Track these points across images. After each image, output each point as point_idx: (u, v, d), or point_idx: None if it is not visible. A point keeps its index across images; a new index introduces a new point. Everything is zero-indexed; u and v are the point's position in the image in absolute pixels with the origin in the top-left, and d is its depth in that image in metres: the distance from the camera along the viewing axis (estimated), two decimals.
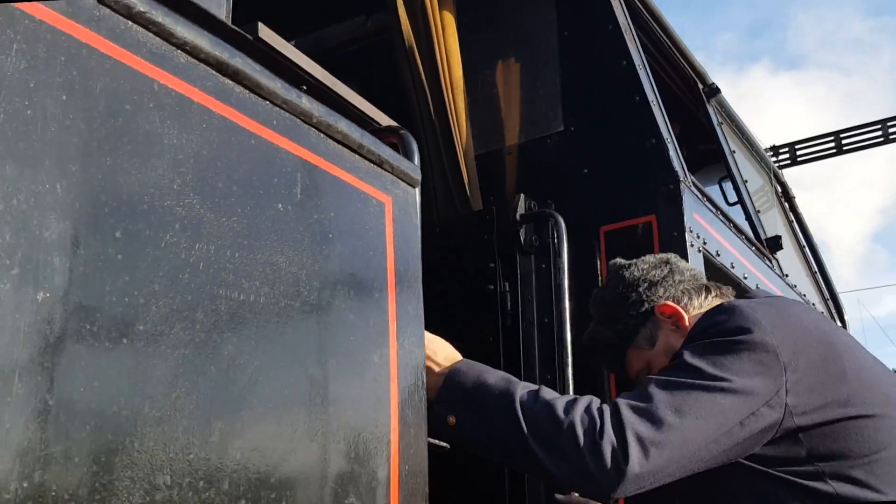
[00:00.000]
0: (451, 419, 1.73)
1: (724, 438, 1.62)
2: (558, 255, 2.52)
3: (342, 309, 1.31)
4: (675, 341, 1.93)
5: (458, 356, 1.85)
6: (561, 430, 1.61)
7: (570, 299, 2.52)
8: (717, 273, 2.76)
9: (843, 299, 5.05)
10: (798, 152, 14.05)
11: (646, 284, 2.00)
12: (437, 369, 1.78)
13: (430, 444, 1.52)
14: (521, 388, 1.71)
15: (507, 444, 1.68)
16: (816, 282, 4.69)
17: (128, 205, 0.98)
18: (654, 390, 1.65)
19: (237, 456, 1.06)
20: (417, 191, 1.59)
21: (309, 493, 1.16)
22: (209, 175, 1.10)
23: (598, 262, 2.64)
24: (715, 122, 3.67)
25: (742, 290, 2.93)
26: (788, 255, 4.30)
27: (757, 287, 3.05)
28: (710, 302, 2.00)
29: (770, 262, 3.43)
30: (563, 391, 2.50)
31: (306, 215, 1.27)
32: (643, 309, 1.99)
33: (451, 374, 1.76)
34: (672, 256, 2.10)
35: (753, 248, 3.20)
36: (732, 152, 3.71)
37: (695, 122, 3.81)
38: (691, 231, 2.57)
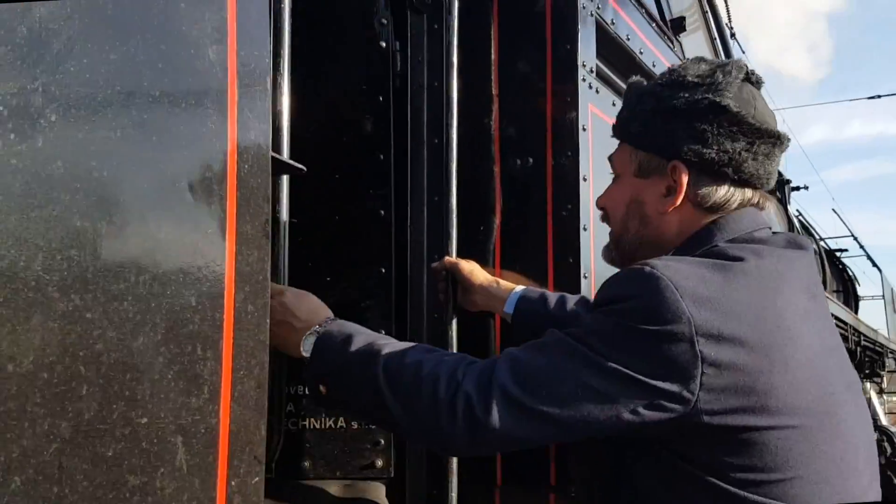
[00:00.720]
0: (323, 389, 1.67)
1: (591, 423, 1.46)
2: (449, 12, 2.43)
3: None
4: (651, 207, 1.69)
5: (320, 311, 1.74)
6: (420, 386, 1.53)
7: (460, 63, 2.47)
8: (610, 45, 2.72)
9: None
10: None
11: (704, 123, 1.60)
12: (298, 325, 1.70)
13: None
14: (386, 352, 1.60)
15: (372, 414, 1.67)
16: None
17: None
18: (536, 357, 1.52)
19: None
20: None
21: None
22: None
23: (492, 26, 2.57)
24: None
25: (637, 67, 2.93)
26: (697, 45, 4.26)
27: (654, 66, 3.03)
28: (722, 211, 1.64)
29: (672, 44, 3.39)
30: (448, 157, 2.50)
31: None
32: (667, 137, 1.64)
33: (319, 342, 1.66)
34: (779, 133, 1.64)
35: (654, 25, 3.15)
36: None
37: None
38: None
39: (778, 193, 9.42)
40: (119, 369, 1.11)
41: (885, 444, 13.59)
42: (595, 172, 2.58)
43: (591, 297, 2.51)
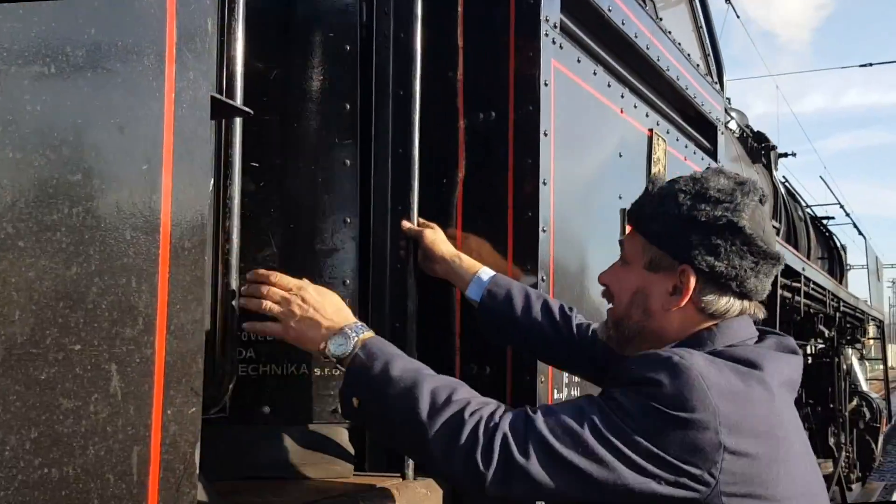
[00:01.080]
0: (356, 401, 1.73)
1: (620, 489, 1.55)
2: None
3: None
4: (656, 301, 1.78)
5: (344, 310, 1.83)
6: (461, 428, 1.59)
7: (426, 15, 2.50)
8: (577, 1, 2.74)
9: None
10: None
11: (713, 238, 1.72)
12: (324, 323, 1.79)
13: None
14: (428, 386, 1.66)
15: (404, 442, 1.74)
16: (700, 36, 4.70)
17: None
18: (573, 413, 1.59)
19: None
20: None
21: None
22: None
23: None
24: None
25: (605, 25, 2.95)
26: (670, 9, 4.27)
27: (623, 23, 3.05)
28: (721, 322, 1.77)
29: (643, 3, 3.40)
30: (411, 109, 2.53)
31: None
32: (683, 243, 1.75)
33: (359, 359, 1.73)
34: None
35: None
36: None
37: None
38: None
39: (763, 159, 9.47)
40: (52, 297, 1.15)
41: (864, 409, 13.80)
42: (557, 128, 2.61)
43: (550, 265, 2.56)
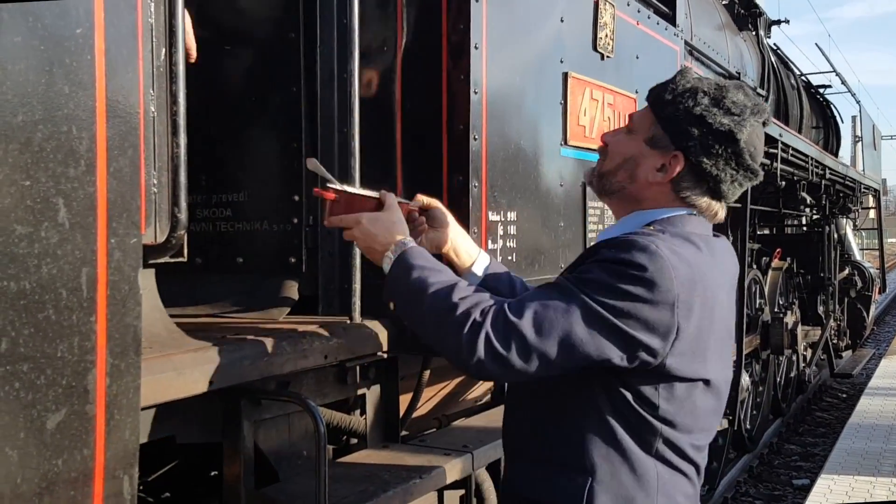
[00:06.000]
0: (391, 305, 2.11)
1: (584, 362, 1.83)
2: None
3: None
4: (643, 171, 2.00)
5: (392, 231, 2.06)
6: (454, 322, 1.84)
7: None
8: None
9: None
10: None
11: (714, 128, 1.94)
12: (378, 249, 2.05)
13: None
14: (432, 290, 1.90)
15: (421, 329, 1.99)
16: None
17: None
18: (545, 302, 1.83)
19: None
20: None
21: None
22: None
23: None
24: None
25: None
26: None
27: None
28: (686, 213, 2.00)
29: None
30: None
31: None
32: (685, 133, 1.96)
33: (391, 273, 2.01)
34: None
35: None
36: None
37: None
38: None
39: (751, 26, 9.47)
40: (2, 139, 1.39)
41: (856, 278, 14.09)
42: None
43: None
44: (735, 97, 1.97)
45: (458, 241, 2.30)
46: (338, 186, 2.15)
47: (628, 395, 1.89)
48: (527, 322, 1.81)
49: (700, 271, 1.89)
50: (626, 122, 2.12)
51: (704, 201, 2.01)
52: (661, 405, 1.89)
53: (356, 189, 2.30)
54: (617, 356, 1.82)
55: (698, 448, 1.99)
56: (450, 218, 2.31)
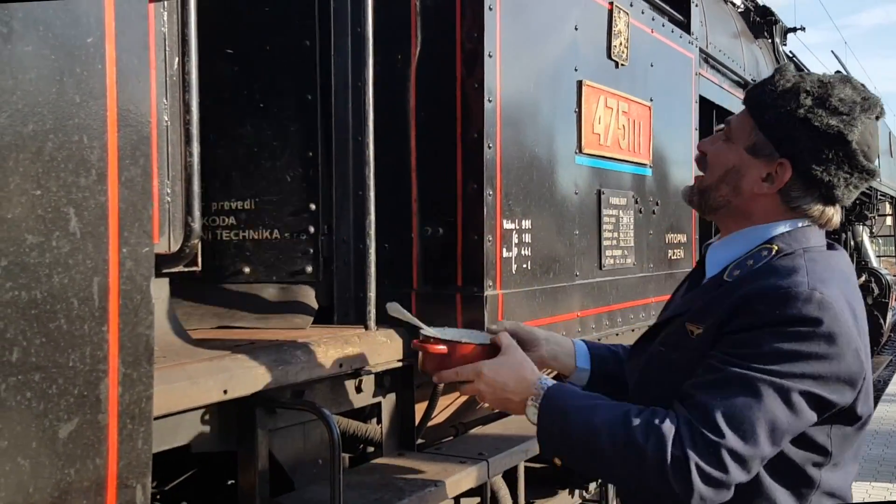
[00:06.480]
0: (557, 461, 1.91)
1: (787, 439, 1.69)
2: None
3: None
4: (748, 182, 1.84)
5: (525, 375, 1.87)
6: (651, 465, 1.65)
7: None
8: None
9: None
10: None
11: (821, 131, 1.77)
12: (515, 398, 1.86)
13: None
14: (603, 425, 1.72)
15: (610, 479, 1.91)
16: None
17: None
18: (733, 402, 1.64)
19: None
20: None
21: None
22: None
23: None
24: None
25: None
26: None
27: None
28: (801, 224, 1.84)
29: None
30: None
31: None
32: (790, 139, 1.80)
33: (540, 422, 1.81)
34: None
35: None
36: None
37: None
38: None
39: (766, 34, 9.43)
40: (12, 149, 1.39)
41: (873, 285, 14.00)
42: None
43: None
44: (842, 93, 1.79)
45: (553, 348, 2.13)
46: (437, 334, 1.96)
47: (793, 449, 1.74)
48: (729, 434, 1.63)
49: (852, 297, 1.76)
50: (723, 128, 1.95)
51: (818, 209, 1.85)
52: (833, 451, 1.76)
53: (461, 333, 2.10)
54: (815, 418, 1.69)
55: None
56: (535, 330, 2.15)
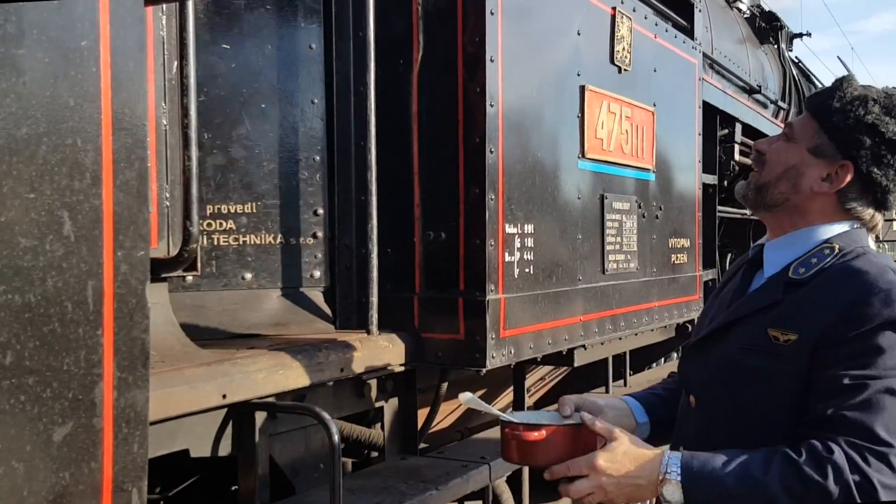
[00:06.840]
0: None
1: None
2: None
3: None
4: (807, 181, 1.90)
5: (644, 460, 1.78)
6: (828, 492, 1.64)
7: None
8: None
9: None
10: None
11: (883, 138, 1.85)
12: (644, 483, 1.77)
13: None
14: (763, 479, 1.69)
15: None
16: None
17: None
18: (885, 413, 1.68)
19: None
20: None
21: None
22: None
23: None
24: None
25: None
26: None
27: None
28: (856, 226, 1.90)
29: None
30: None
31: None
32: (854, 142, 1.87)
33: (691, 495, 1.72)
34: None
35: None
36: None
37: None
38: None
39: (772, 39, 9.41)
40: (5, 152, 1.39)
41: None
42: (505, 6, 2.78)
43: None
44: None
45: (615, 413, 2.06)
46: (516, 419, 1.82)
47: None
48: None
49: None
50: (784, 130, 2.01)
51: (869, 212, 1.93)
52: None
53: (537, 416, 1.95)
54: None
55: None
56: (597, 399, 2.07)
